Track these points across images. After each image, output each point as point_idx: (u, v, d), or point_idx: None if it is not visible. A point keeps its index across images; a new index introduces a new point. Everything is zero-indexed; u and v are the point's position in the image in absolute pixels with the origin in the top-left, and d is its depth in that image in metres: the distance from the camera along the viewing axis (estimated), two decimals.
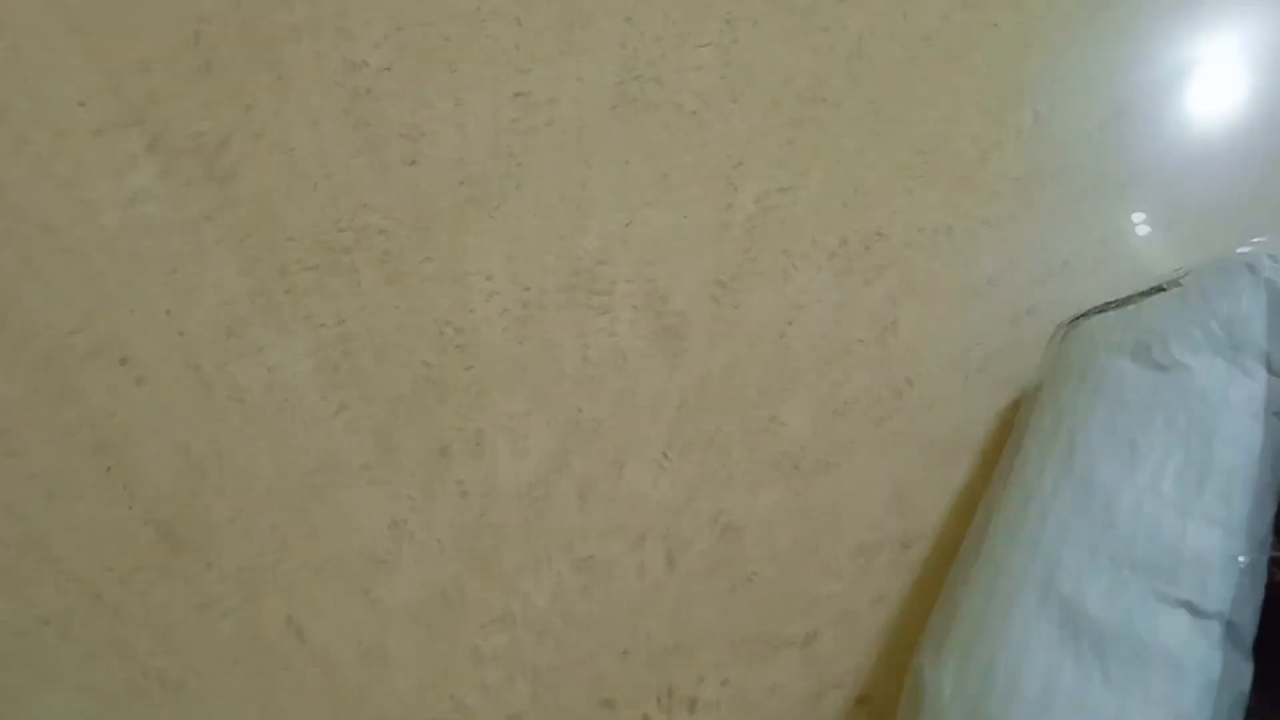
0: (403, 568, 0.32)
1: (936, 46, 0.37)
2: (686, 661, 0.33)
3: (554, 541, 0.33)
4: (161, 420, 0.32)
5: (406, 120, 0.36)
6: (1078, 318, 0.36)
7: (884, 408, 0.35)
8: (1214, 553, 0.30)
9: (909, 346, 0.36)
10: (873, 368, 0.36)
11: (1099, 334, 0.36)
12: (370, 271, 0.34)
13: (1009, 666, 0.30)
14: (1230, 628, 0.29)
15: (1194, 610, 0.30)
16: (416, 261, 0.34)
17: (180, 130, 0.35)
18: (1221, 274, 0.34)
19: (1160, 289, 0.34)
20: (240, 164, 0.35)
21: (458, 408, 0.33)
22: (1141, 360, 0.34)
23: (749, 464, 0.34)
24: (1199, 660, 0.29)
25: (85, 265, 0.34)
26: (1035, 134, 0.38)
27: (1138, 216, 0.38)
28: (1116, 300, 0.36)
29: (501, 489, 0.33)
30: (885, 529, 0.35)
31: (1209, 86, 0.39)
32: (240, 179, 0.35)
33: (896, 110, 0.38)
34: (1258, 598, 0.30)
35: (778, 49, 0.36)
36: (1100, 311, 0.36)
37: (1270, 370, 0.32)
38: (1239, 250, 0.34)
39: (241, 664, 0.31)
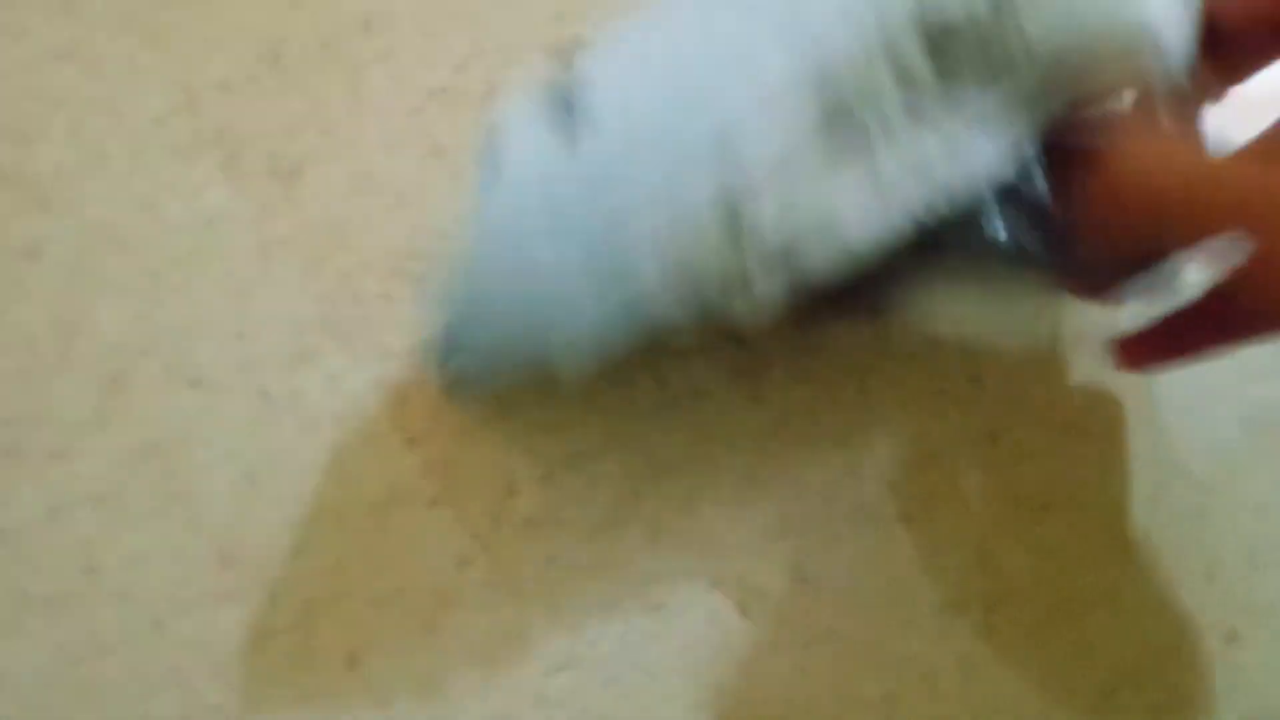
0: (466, 605, 0.30)
1: None
2: (757, 716, 0.31)
3: (623, 583, 0.32)
4: (230, 446, 0.30)
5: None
6: None
7: (970, 458, 0.34)
8: None
9: (999, 396, 0.34)
10: (960, 415, 0.34)
11: None
12: None
13: None
14: None
15: None
16: None
17: (257, 151, 0.34)
18: None
19: None
20: (316, 188, 0.34)
21: (529, 444, 0.32)
22: None
23: (827, 511, 0.33)
24: None
25: (158, 285, 0.32)
26: None
27: None
28: None
29: (571, 529, 0.32)
30: (970, 587, 0.33)
31: None
32: (316, 203, 0.33)
33: None
34: None
35: None
36: None
37: None
38: None
39: (299, 699, 0.29)
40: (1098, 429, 0.33)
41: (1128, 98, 0.24)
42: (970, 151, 0.22)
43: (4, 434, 0.30)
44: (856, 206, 0.23)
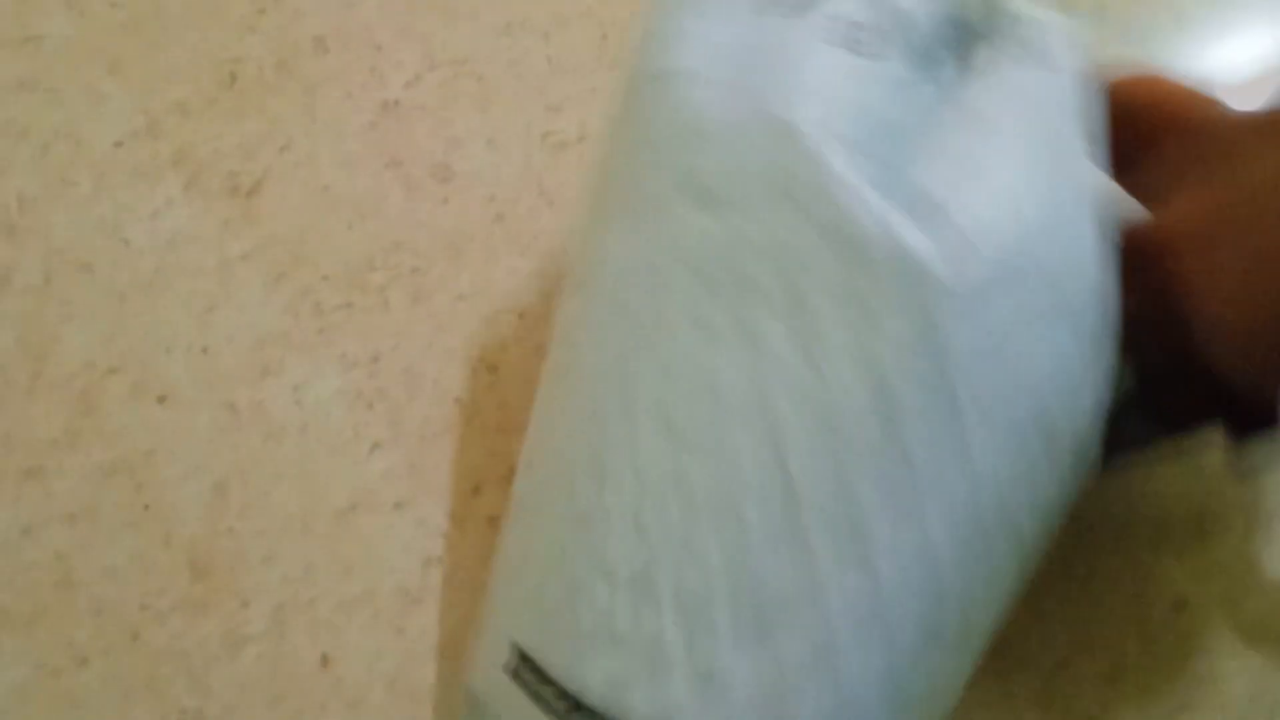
0: (434, 603, 0.31)
1: None
2: None
3: None
4: (198, 458, 0.31)
5: (439, 160, 0.34)
6: None
7: None
8: None
9: None
10: None
11: None
12: (404, 309, 0.32)
13: None
14: None
15: None
16: (449, 299, 0.33)
17: (216, 170, 0.34)
18: None
19: None
20: (276, 204, 0.34)
21: (490, 445, 0.32)
22: None
23: None
24: None
25: (123, 305, 0.33)
26: None
27: None
28: None
29: None
30: None
31: None
32: (275, 218, 0.33)
33: None
34: None
35: None
36: None
37: None
38: None
39: (273, 702, 0.30)
40: None
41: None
42: None
43: None
44: None
